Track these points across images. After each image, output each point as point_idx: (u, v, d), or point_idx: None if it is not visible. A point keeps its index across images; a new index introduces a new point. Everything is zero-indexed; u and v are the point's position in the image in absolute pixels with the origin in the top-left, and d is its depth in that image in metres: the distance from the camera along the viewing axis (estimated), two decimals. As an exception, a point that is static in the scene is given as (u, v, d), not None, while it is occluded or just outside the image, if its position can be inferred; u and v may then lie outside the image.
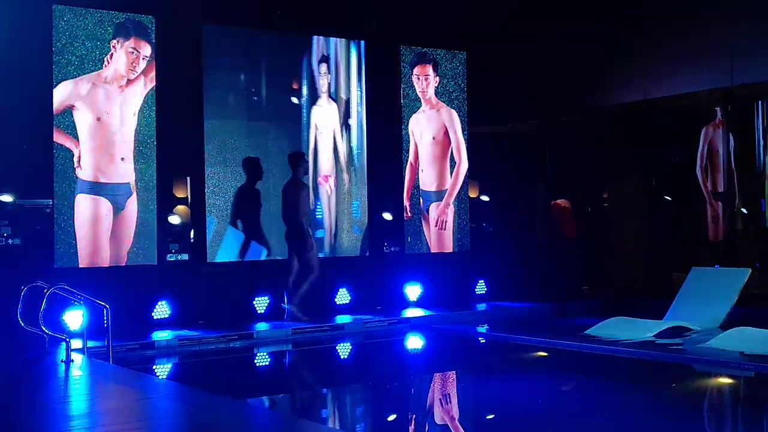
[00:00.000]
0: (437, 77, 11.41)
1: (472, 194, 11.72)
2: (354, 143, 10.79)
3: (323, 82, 10.56)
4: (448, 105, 11.49)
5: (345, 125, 10.75)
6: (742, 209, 11.26)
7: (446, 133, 11.45)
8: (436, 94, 11.38)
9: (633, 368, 7.61)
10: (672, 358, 7.56)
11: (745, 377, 7.08)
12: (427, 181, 11.25)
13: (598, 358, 7.86)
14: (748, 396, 6.78)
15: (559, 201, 12.45)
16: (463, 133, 11.51)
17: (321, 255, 10.15)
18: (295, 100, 10.40)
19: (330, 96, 10.63)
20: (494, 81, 11.79)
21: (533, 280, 11.51)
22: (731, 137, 11.17)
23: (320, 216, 10.43)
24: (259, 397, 6.68)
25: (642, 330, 8.34)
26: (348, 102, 10.79)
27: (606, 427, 5.51)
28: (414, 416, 6.16)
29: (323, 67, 10.54)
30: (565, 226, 12.39)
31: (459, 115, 11.53)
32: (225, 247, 9.71)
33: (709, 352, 7.52)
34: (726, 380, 7.17)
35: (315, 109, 10.51)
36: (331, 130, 10.63)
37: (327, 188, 10.48)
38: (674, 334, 8.28)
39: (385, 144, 10.98)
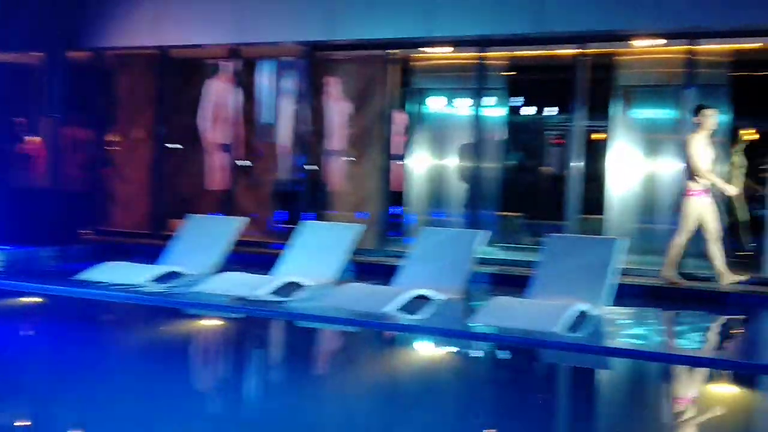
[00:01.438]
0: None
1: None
2: None
3: None
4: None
5: None
6: (243, 162, 11.91)
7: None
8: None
9: (125, 312, 7.65)
10: (165, 302, 7.76)
11: (233, 318, 7.55)
12: None
13: (91, 302, 7.77)
14: (237, 335, 7.24)
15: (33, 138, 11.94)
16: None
17: None
18: None
19: None
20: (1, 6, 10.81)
21: (32, 224, 10.89)
22: (237, 92, 11.71)
23: None
24: None
25: (136, 274, 8.42)
26: None
27: (86, 369, 5.45)
28: None
29: None
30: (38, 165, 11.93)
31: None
32: None
33: (200, 296, 7.88)
34: (215, 321, 7.55)
35: None
36: None
37: None
38: (167, 279, 8.50)
39: None
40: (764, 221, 9.35)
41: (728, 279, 8.60)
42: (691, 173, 8.61)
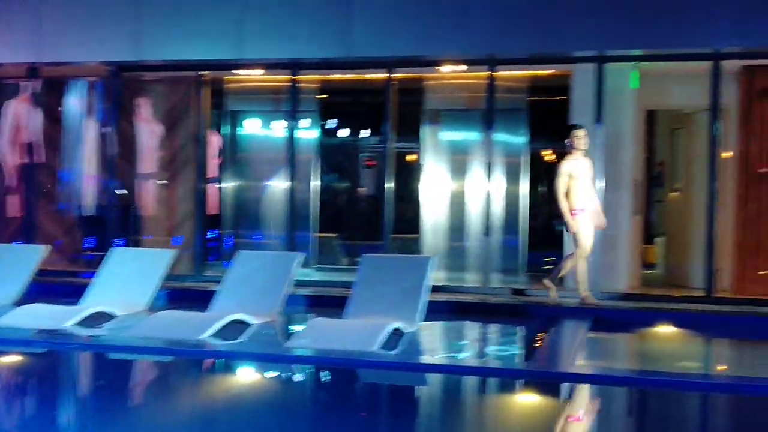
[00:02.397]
0: None
1: None
2: None
3: None
4: None
5: None
6: (47, 187, 11.34)
7: None
8: None
9: None
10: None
11: (37, 353, 7.11)
12: None
13: None
14: (41, 371, 6.84)
15: None
16: None
17: None
18: None
19: None
20: None
21: None
22: (39, 113, 11.15)
23: None
24: None
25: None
26: None
27: None
28: None
29: None
30: None
31: None
32: None
33: (1, 330, 7.39)
34: (17, 357, 7.09)
35: None
36: None
37: None
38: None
39: None
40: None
41: (554, 295, 8.95)
42: (567, 195, 8.74)
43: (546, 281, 9.01)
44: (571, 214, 8.77)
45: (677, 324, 8.51)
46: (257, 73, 10.92)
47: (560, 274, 9.00)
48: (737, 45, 8.97)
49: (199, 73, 10.67)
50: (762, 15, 8.74)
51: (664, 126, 11.91)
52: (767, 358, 7.80)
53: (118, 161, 10.87)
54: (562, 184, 8.74)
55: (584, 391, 5.96)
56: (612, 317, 8.66)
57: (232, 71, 10.90)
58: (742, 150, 9.63)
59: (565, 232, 8.93)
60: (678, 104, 10.50)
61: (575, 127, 8.92)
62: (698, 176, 10.00)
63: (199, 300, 8.75)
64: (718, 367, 7.61)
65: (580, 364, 6.75)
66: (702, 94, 9.33)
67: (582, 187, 8.80)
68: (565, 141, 8.89)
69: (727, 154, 9.73)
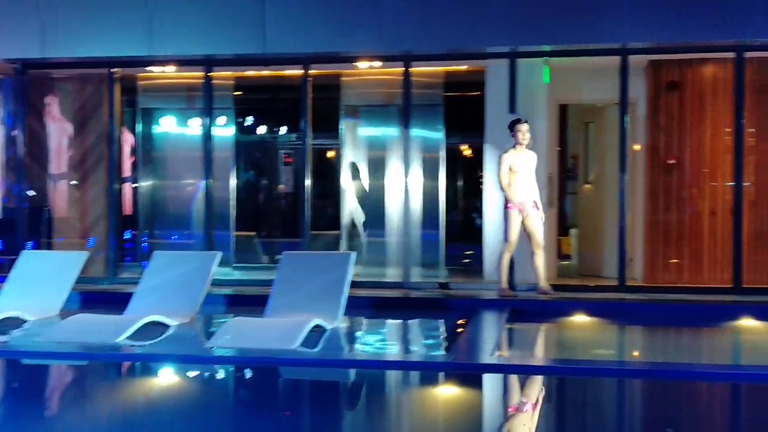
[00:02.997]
0: None
1: None
2: None
3: None
4: None
5: None
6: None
7: None
8: None
9: None
10: None
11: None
12: None
13: None
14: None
15: None
16: None
17: None
18: None
19: None
20: None
21: None
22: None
23: None
24: None
25: None
26: None
27: None
28: None
29: None
30: None
31: None
32: None
33: None
34: None
35: None
36: None
37: None
38: None
39: None
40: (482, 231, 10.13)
41: (545, 288, 8.98)
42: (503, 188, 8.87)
43: (513, 291, 9.05)
44: (507, 207, 8.90)
45: (592, 313, 8.72)
46: (171, 70, 10.72)
47: (505, 277, 9.00)
48: (643, 40, 9.25)
49: (110, 70, 10.41)
50: (666, 11, 9.02)
51: (576, 120, 12.18)
52: (678, 344, 8.08)
53: (27, 161, 10.54)
54: (503, 174, 8.87)
55: (504, 381, 6.05)
56: (529, 308, 8.82)
57: (145, 68, 10.68)
58: (651, 142, 9.93)
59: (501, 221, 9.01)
60: (589, 98, 10.76)
61: (518, 121, 9.04)
62: (610, 168, 10.27)
63: (116, 302, 8.55)
64: (632, 354, 7.83)
65: (500, 355, 6.86)
66: (612, 89, 9.58)
67: (522, 181, 8.92)
68: (511, 134, 8.99)
69: (637, 147, 10.03)
